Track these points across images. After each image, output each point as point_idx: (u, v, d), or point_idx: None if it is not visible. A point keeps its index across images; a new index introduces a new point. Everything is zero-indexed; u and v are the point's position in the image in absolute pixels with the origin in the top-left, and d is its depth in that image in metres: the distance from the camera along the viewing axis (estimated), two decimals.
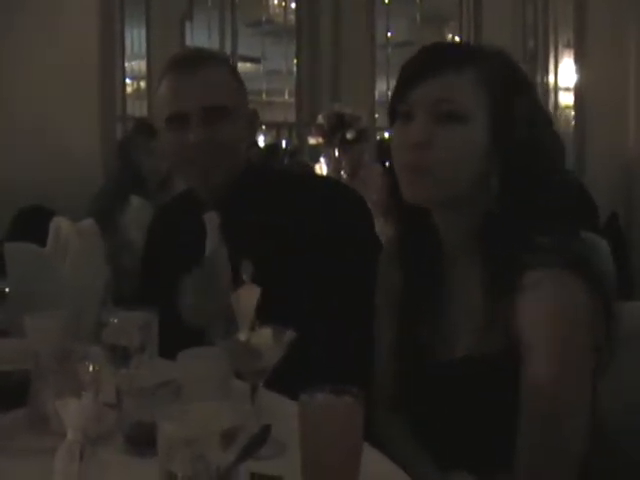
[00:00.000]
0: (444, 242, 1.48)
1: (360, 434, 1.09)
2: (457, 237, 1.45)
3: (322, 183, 2.17)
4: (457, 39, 7.47)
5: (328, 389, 1.09)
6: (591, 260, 1.37)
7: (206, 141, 1.85)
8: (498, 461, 1.34)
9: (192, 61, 1.95)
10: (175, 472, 0.80)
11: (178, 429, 0.82)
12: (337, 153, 4.98)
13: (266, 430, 1.02)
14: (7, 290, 1.68)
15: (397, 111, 1.44)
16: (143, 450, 1.20)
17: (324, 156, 5.21)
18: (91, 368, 1.17)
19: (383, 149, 5.30)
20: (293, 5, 7.92)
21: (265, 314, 1.25)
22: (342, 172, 4.97)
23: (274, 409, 1.30)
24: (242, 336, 1.21)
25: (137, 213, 3.94)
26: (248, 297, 1.22)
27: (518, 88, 1.40)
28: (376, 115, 7.39)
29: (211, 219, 1.91)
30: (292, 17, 7.95)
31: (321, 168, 5.25)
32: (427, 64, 1.40)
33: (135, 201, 3.99)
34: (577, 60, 5.59)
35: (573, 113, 5.93)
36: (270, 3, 8.50)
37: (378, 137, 7.16)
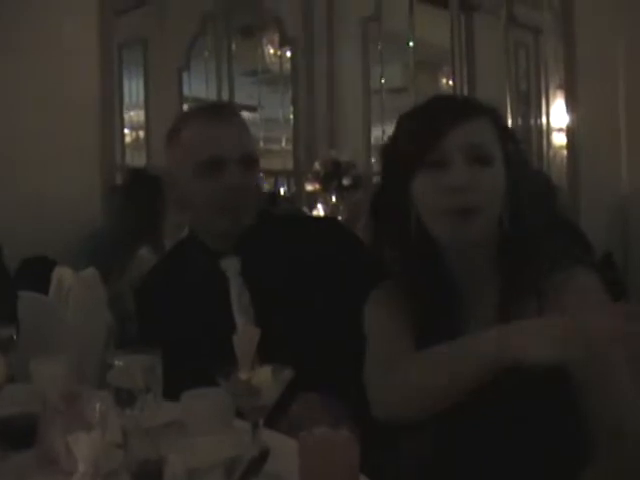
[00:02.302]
0: (457, 269, 1.57)
1: (357, 469, 1.14)
2: (471, 264, 1.56)
3: (324, 219, 2.29)
4: (451, 84, 7.57)
5: (325, 426, 1.14)
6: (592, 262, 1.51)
7: (243, 186, 1.93)
8: None
9: (225, 109, 2.08)
10: None
11: (184, 460, 0.86)
12: (334, 199, 5.05)
13: (264, 454, 1.06)
14: (14, 337, 1.72)
15: (425, 161, 1.52)
16: None
17: (321, 202, 5.28)
18: (98, 408, 1.21)
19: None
20: (289, 54, 8.02)
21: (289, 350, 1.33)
22: (339, 218, 5.04)
23: (275, 446, 1.34)
24: (243, 375, 1.26)
25: (145, 263, 4.00)
26: (249, 338, 1.27)
27: (513, 135, 1.59)
28: (372, 160, 7.47)
29: (231, 265, 1.94)
30: (288, 66, 8.05)
31: (319, 214, 5.32)
32: (457, 113, 1.54)
33: (142, 252, 4.04)
34: (568, 101, 5.67)
35: (566, 153, 6.01)
36: (266, 52, 8.60)
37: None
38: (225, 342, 1.36)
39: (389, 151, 1.61)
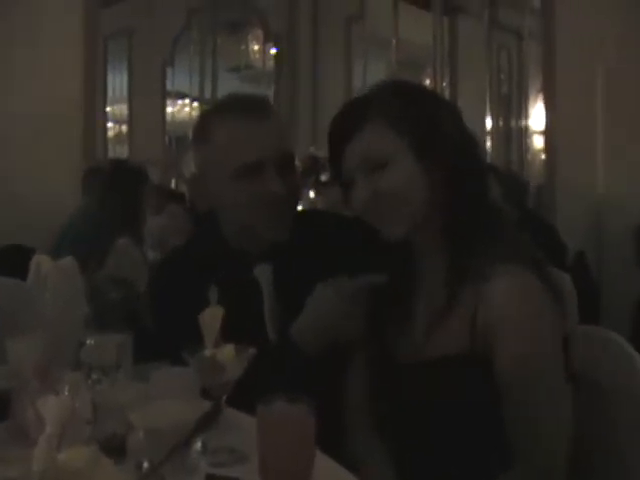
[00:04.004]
0: (413, 251, 1.59)
1: (312, 441, 1.19)
2: (420, 254, 1.58)
3: (338, 215, 2.09)
4: (433, 85, 7.63)
5: (283, 398, 1.20)
6: (550, 271, 1.50)
7: (283, 192, 1.75)
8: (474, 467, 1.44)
9: (261, 105, 1.86)
10: (142, 461, 0.90)
11: (144, 419, 0.92)
12: (312, 195, 5.09)
13: (217, 406, 1.11)
14: None
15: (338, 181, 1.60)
16: (117, 460, 1.29)
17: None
18: (69, 380, 1.27)
19: None
20: (273, 50, 8.06)
21: None
22: None
23: (237, 422, 1.40)
24: (207, 352, 1.32)
25: (125, 253, 4.03)
26: (213, 317, 1.33)
27: (422, 116, 1.53)
28: None
29: (265, 272, 1.81)
30: (271, 62, 8.09)
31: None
32: (349, 128, 1.53)
33: (122, 242, 4.07)
34: (546, 104, 5.74)
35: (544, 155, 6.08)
36: (250, 49, 8.64)
37: None
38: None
39: None
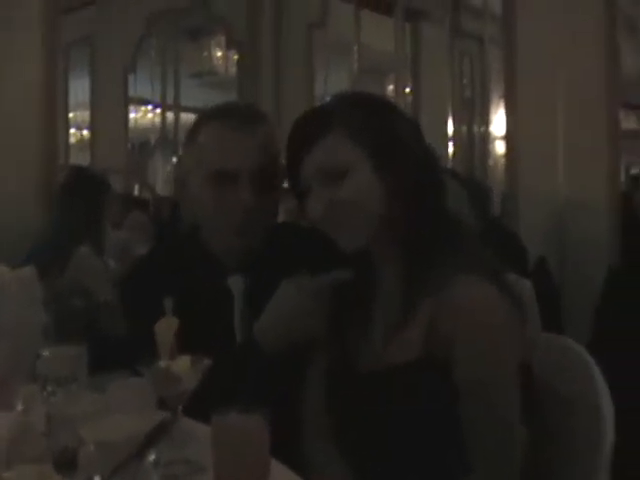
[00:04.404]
0: (372, 260, 1.58)
1: (267, 451, 1.19)
2: (381, 256, 1.57)
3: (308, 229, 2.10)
4: (396, 90, 7.66)
5: (238, 409, 1.19)
6: (509, 280, 1.50)
7: (254, 206, 1.75)
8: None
9: (249, 115, 1.85)
10: (93, 476, 0.89)
11: (94, 433, 0.91)
12: None
13: (171, 417, 1.10)
14: None
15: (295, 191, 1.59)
16: (71, 474, 1.28)
17: None
18: (23, 394, 1.25)
19: None
20: (235, 57, 8.05)
21: None
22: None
23: (193, 433, 1.39)
24: (162, 363, 1.32)
25: (86, 262, 4.00)
26: (168, 328, 1.33)
27: (382, 127, 1.53)
28: None
29: (237, 283, 1.81)
30: (234, 69, 8.08)
31: None
32: (307, 138, 1.53)
33: (83, 251, 4.04)
34: (508, 110, 5.77)
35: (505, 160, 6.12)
36: (213, 55, 8.63)
37: None
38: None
39: None
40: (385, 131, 1.52)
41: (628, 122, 7.33)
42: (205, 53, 8.67)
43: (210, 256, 1.86)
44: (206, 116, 1.89)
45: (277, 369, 1.61)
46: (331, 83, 7.77)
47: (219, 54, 8.53)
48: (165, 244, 2.10)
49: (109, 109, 9.05)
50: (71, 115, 9.75)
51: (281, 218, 2.57)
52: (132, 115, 9.31)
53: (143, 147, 9.70)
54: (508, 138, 5.87)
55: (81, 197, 4.27)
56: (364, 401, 1.52)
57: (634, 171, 8.35)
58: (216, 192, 1.78)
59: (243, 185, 1.75)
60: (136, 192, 8.71)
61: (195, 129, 1.86)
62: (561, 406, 1.60)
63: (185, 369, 1.30)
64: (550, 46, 5.40)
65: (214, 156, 1.78)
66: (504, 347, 1.43)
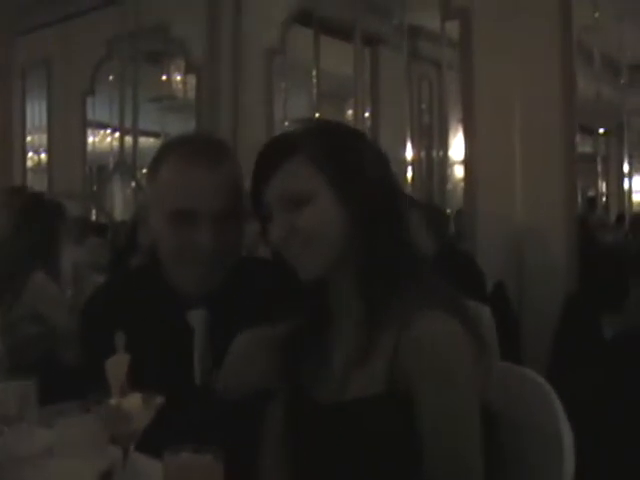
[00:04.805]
0: (329, 293, 1.57)
1: None
2: (341, 288, 1.55)
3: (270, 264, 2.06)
4: (355, 115, 7.68)
5: (190, 448, 1.16)
6: (470, 313, 1.49)
7: (213, 246, 1.70)
8: None
9: (212, 151, 1.78)
10: None
11: None
12: None
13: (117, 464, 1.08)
14: None
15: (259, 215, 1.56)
16: None
17: None
18: None
19: None
20: (194, 81, 8.03)
21: None
22: None
23: (145, 469, 1.36)
24: (113, 401, 1.28)
25: (41, 288, 3.95)
26: (118, 365, 1.29)
27: (347, 157, 1.51)
28: None
29: (198, 318, 1.75)
30: (193, 93, 8.05)
31: None
32: (271, 163, 1.51)
33: (38, 277, 3.98)
34: (466, 135, 5.81)
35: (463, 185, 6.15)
36: (172, 79, 8.61)
37: None
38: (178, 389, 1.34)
39: None
40: (349, 160, 1.50)
41: (584, 146, 7.41)
42: (164, 77, 8.65)
43: (169, 290, 1.80)
44: (168, 148, 1.83)
45: (237, 413, 1.59)
46: (290, 108, 7.78)
47: (178, 78, 8.51)
48: (123, 274, 2.03)
49: (67, 132, 8.98)
50: (28, 139, 9.67)
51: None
52: (90, 139, 9.25)
53: (101, 171, 9.63)
54: (466, 162, 5.90)
55: (36, 223, 4.22)
56: (321, 436, 1.50)
57: (591, 194, 8.45)
58: (176, 231, 1.72)
59: (203, 226, 1.69)
60: (93, 217, 8.63)
61: (157, 162, 1.79)
62: (520, 436, 1.59)
63: (136, 407, 1.27)
64: (507, 72, 5.46)
65: (173, 194, 1.72)
66: (467, 381, 1.41)
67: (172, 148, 1.81)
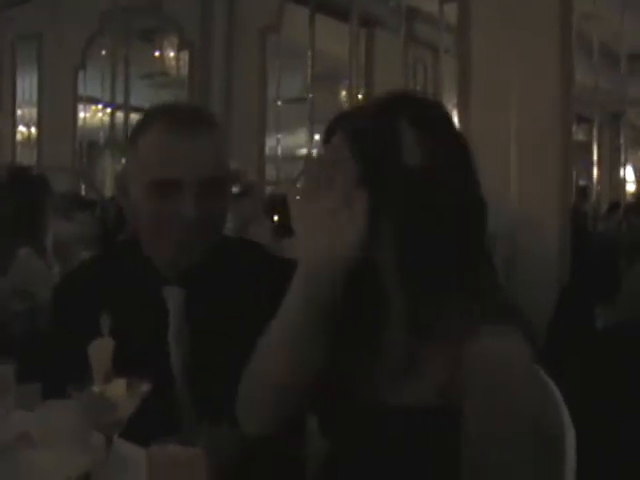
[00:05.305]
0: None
1: None
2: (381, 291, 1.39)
3: (257, 246, 1.93)
4: (349, 96, 7.64)
5: (177, 439, 1.11)
6: (529, 323, 1.36)
7: (197, 218, 1.60)
8: None
9: (196, 118, 1.69)
10: None
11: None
12: None
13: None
14: None
15: None
16: None
17: None
18: None
19: (273, 204, 5.34)
20: (187, 58, 7.97)
21: None
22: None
23: (129, 458, 1.30)
24: (96, 388, 1.22)
25: (27, 264, 3.90)
26: (103, 350, 1.23)
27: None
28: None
29: (174, 294, 1.67)
30: (186, 70, 7.99)
31: None
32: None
33: (24, 252, 3.93)
34: (460, 121, 5.77)
35: None
36: (165, 55, 8.54)
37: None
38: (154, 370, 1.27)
39: None
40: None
41: (577, 134, 7.39)
42: (157, 53, 8.57)
43: (150, 269, 1.71)
44: (149, 117, 1.73)
45: None
46: (284, 87, 7.71)
47: (171, 55, 8.43)
48: (105, 252, 1.93)
49: (58, 107, 8.90)
50: (19, 112, 9.58)
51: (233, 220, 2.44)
52: (81, 114, 9.15)
53: (92, 147, 9.55)
54: None
55: (20, 198, 4.15)
56: (370, 434, 1.41)
57: (582, 182, 8.43)
58: (156, 203, 1.62)
59: (186, 197, 1.60)
60: (83, 192, 8.56)
61: (137, 131, 1.70)
62: None
63: (121, 394, 1.21)
64: (504, 57, 5.42)
65: (155, 164, 1.63)
66: (527, 409, 1.31)
67: (154, 116, 1.71)
